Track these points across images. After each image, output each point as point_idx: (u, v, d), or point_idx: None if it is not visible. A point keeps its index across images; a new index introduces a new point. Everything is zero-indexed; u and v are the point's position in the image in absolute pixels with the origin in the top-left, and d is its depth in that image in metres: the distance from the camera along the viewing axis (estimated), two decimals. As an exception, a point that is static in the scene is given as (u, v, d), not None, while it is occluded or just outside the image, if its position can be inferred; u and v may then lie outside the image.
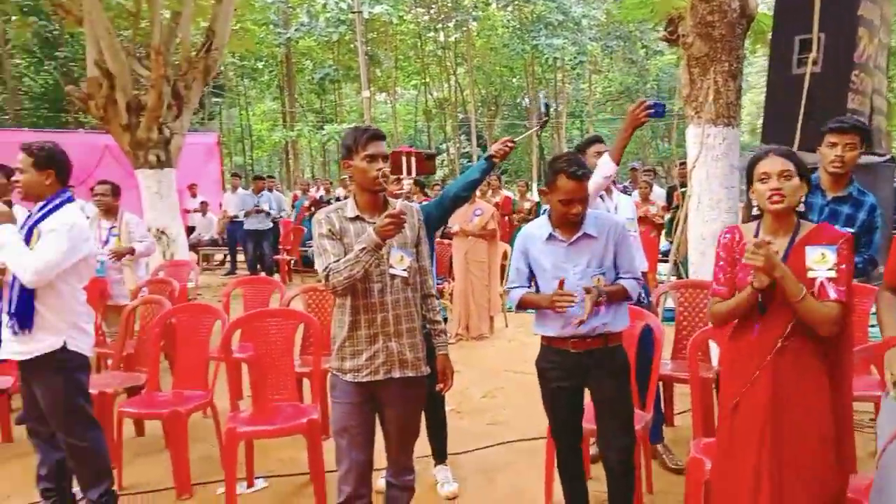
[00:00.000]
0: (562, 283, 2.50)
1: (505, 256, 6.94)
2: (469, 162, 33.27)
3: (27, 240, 2.79)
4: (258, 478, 3.49)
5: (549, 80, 30.41)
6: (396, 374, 2.45)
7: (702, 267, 4.75)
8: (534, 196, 12.63)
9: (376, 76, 28.48)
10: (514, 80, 31.47)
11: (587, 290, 2.51)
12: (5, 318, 2.80)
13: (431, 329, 2.61)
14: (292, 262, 10.74)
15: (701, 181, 4.83)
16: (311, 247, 10.76)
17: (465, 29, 26.90)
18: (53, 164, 2.92)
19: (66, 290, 2.86)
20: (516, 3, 25.82)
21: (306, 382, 3.91)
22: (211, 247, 12.58)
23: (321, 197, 12.74)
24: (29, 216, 2.88)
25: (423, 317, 2.57)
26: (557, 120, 29.26)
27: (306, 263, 10.83)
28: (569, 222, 2.60)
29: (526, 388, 4.97)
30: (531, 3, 25.15)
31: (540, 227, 2.71)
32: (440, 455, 3.47)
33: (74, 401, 2.88)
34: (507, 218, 9.52)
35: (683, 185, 6.04)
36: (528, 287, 2.75)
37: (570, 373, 2.66)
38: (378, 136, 2.43)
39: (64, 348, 2.82)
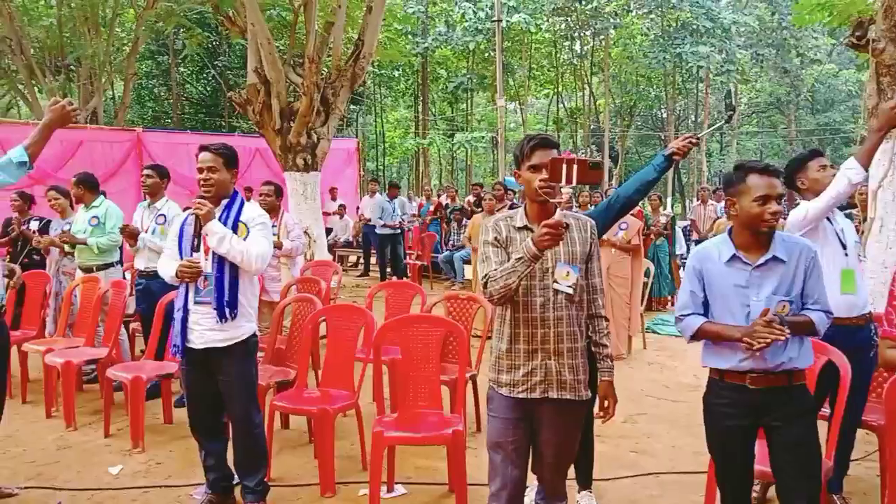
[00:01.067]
0: (766, 312, 2.22)
1: (647, 273, 6.61)
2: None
3: (234, 231, 3.00)
4: (398, 483, 3.49)
5: (689, 90, 29.08)
6: (553, 394, 2.34)
7: (882, 298, 4.24)
8: (668, 210, 12.03)
9: (508, 85, 28.48)
10: (650, 90, 30.35)
11: (765, 314, 2.23)
12: (198, 308, 2.97)
13: (596, 352, 2.46)
14: (423, 266, 10.90)
15: (886, 203, 4.33)
16: (442, 252, 10.90)
17: (602, 37, 26.31)
18: (236, 164, 3.11)
19: (253, 280, 3.13)
20: (660, 10, 24.86)
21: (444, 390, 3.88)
22: (346, 248, 13.07)
23: (446, 204, 12.88)
24: (224, 212, 3.05)
25: (588, 338, 2.44)
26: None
27: (436, 269, 10.97)
28: (762, 232, 2.32)
29: (670, 416, 4.68)
30: (676, 9, 24.14)
31: (720, 246, 2.44)
32: (585, 480, 3.30)
33: (256, 384, 3.15)
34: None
35: (852, 205, 5.45)
36: (704, 314, 2.48)
37: (746, 411, 2.40)
38: (544, 145, 2.32)
39: (254, 334, 3.10)
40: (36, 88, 16.59)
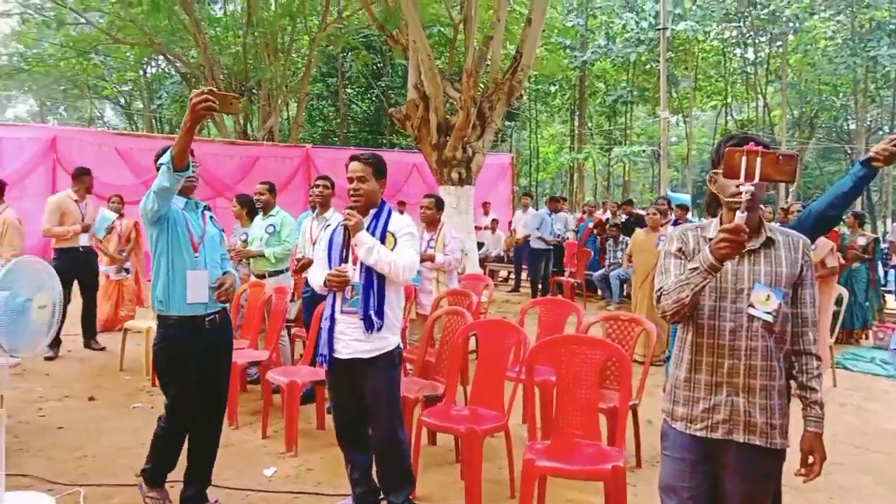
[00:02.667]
0: None
1: (838, 301, 5.79)
2: (771, 190, 29.95)
3: (382, 242, 2.97)
4: (548, 516, 3.23)
5: (884, 99, 25.96)
6: (739, 437, 1.98)
7: None
8: (869, 230, 10.62)
9: (671, 97, 27.13)
10: (836, 98, 27.44)
11: None
12: (345, 318, 2.94)
13: (802, 397, 2.06)
14: (576, 284, 10.48)
15: None
16: (596, 271, 10.43)
17: (780, 43, 24.24)
18: (385, 174, 3.07)
19: (399, 292, 3.09)
20: (850, 10, 22.43)
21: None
22: (497, 263, 12.97)
23: (607, 220, 12.33)
24: (373, 222, 3.02)
25: (792, 377, 2.05)
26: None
27: (590, 287, 10.51)
28: None
29: (873, 468, 4.00)
30: (871, 8, 21.64)
31: None
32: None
33: (400, 397, 3.07)
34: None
35: None
36: None
37: None
38: (744, 144, 1.97)
39: (399, 347, 3.06)
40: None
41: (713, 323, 1.99)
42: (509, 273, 12.85)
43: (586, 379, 3.12)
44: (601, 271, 10.28)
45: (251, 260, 5.52)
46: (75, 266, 6.36)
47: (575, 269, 10.75)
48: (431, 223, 5.32)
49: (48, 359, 6.10)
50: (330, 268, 3.03)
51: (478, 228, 12.30)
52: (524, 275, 11.52)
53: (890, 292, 9.76)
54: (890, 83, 24.34)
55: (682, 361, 2.07)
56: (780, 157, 1.80)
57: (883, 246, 10.98)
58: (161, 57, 20.55)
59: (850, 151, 31.25)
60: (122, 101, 31.13)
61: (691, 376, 2.04)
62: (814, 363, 2.04)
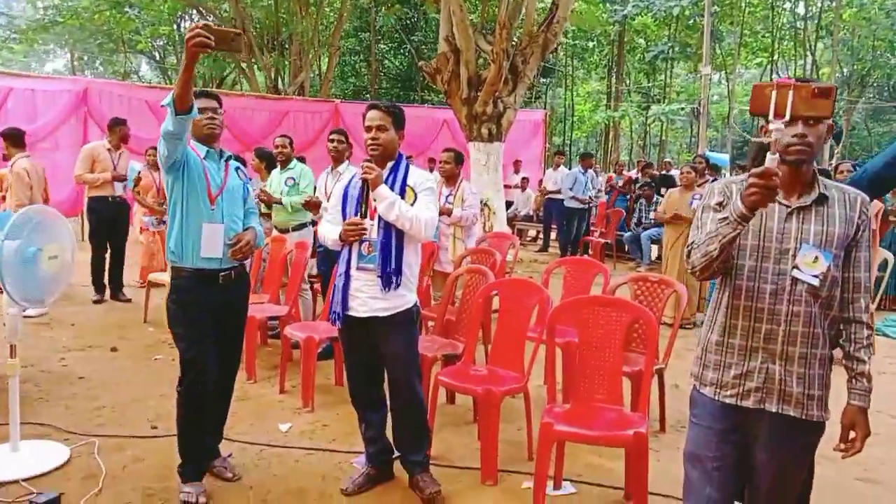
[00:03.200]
0: None
1: (882, 267, 5.50)
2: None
3: (402, 196, 2.82)
4: (567, 480, 3.13)
5: (943, 55, 24.60)
6: (772, 406, 1.83)
7: None
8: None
9: (715, 53, 26.09)
10: (891, 55, 26.07)
11: None
12: (360, 275, 2.80)
13: (848, 367, 1.88)
14: (606, 245, 10.23)
15: None
16: (628, 231, 10.17)
17: (832, -4, 23.01)
18: (403, 125, 2.91)
19: (417, 248, 2.98)
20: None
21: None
22: (525, 222, 12.75)
23: (636, 178, 11.96)
24: (391, 175, 2.86)
25: (837, 345, 1.88)
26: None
27: (620, 248, 10.26)
28: None
29: (914, 442, 3.80)
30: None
31: None
32: (798, 511, 2.69)
33: (418, 355, 3.03)
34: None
35: None
36: None
37: None
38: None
39: (416, 304, 2.94)
40: (255, 65, 18.20)
41: (752, 284, 1.83)
42: (538, 232, 12.64)
43: (610, 341, 2.97)
44: (631, 232, 10.02)
45: (273, 213, 5.44)
46: (106, 215, 6.42)
47: (605, 229, 10.48)
48: (451, 178, 5.19)
49: (96, 302, 6.54)
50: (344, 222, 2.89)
51: (507, 187, 12.04)
52: (553, 234, 11.31)
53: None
54: (951, 39, 23.02)
55: (716, 324, 1.92)
56: (816, 91, 1.60)
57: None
58: (195, 11, 20.40)
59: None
60: (157, 56, 31.18)
61: (724, 339, 1.89)
62: (864, 332, 1.86)
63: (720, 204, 1.88)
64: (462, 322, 3.84)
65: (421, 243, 3.01)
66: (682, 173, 6.55)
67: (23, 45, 26.22)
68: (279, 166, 5.49)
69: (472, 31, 9.12)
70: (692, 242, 1.89)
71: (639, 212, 10.10)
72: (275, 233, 5.45)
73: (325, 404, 4.03)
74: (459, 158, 5.30)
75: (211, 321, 2.91)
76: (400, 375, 2.89)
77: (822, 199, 1.82)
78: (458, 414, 3.99)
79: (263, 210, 5.63)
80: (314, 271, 5.53)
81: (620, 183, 11.60)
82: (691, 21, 24.77)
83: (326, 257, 4.98)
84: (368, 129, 2.82)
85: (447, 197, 5.07)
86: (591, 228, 10.71)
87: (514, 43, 9.42)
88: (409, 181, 2.86)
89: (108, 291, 6.66)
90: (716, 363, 1.91)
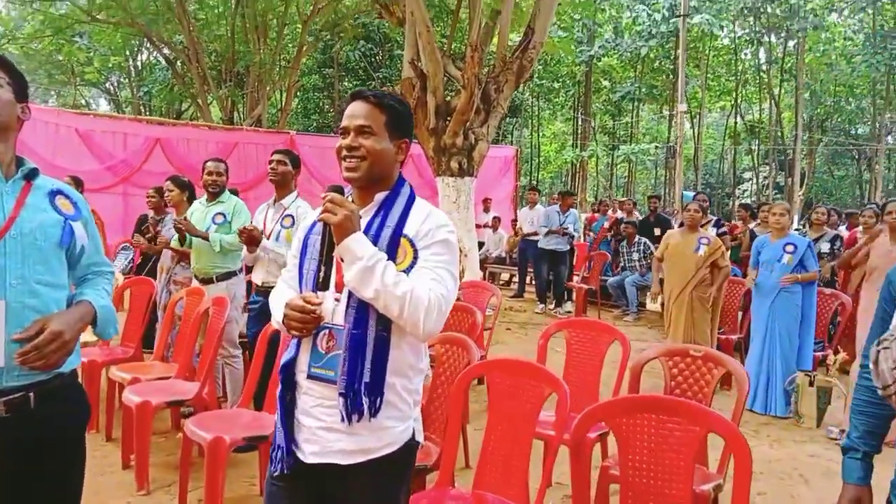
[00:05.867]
0: None
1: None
2: (779, 194, 28.72)
3: (391, 256, 1.59)
4: None
5: (903, 101, 24.90)
6: None
7: None
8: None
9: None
10: (851, 100, 26.38)
11: None
12: (313, 387, 1.62)
13: None
14: (588, 291, 9.25)
15: None
16: (612, 276, 9.24)
17: (796, 41, 23.15)
18: (408, 132, 1.72)
19: (418, 348, 1.69)
20: (873, 6, 21.33)
21: None
22: (498, 265, 11.76)
23: (620, 218, 11.14)
24: (379, 214, 1.66)
25: None
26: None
27: (605, 295, 9.29)
28: None
29: None
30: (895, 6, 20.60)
31: None
32: None
33: None
34: None
35: None
36: None
37: None
38: None
39: (413, 438, 1.68)
40: (210, 96, 17.11)
41: None
42: (511, 276, 11.65)
43: (675, 469, 1.92)
44: (616, 277, 9.09)
45: (193, 256, 4.27)
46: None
47: (588, 274, 9.53)
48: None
49: None
50: (301, 292, 1.70)
51: (478, 226, 11.06)
52: (529, 278, 10.34)
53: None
54: (912, 85, 23.30)
55: None
56: None
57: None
58: (147, 41, 19.32)
59: (858, 156, 30.14)
60: (110, 88, 29.87)
61: None
62: None
63: None
64: (434, 416, 2.73)
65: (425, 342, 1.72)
66: (687, 212, 5.63)
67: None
68: (207, 197, 4.36)
69: (441, 55, 8.24)
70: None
71: (622, 254, 9.21)
72: (194, 283, 4.28)
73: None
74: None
75: None
76: None
77: None
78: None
79: (174, 245, 4.48)
80: (245, 330, 4.37)
81: (606, 224, 10.74)
82: (657, 63, 24.69)
83: (260, 316, 3.87)
84: (345, 131, 1.65)
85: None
86: (573, 273, 9.75)
87: (486, 69, 8.57)
88: (408, 228, 1.64)
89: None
90: None
